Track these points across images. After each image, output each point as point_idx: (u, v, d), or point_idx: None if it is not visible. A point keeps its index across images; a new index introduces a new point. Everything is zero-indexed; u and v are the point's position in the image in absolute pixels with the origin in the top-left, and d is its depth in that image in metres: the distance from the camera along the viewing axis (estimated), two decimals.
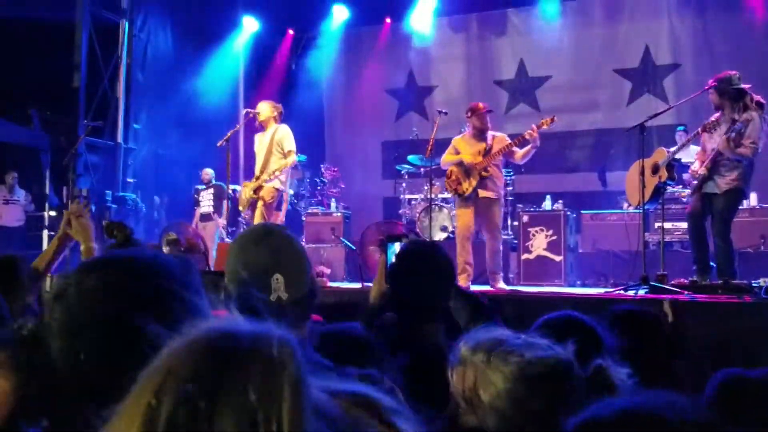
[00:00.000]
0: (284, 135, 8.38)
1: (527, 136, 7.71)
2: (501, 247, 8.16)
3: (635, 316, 2.71)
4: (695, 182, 6.99)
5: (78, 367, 1.07)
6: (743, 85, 6.77)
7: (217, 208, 11.60)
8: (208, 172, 11.87)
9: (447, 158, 8.20)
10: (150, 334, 0.92)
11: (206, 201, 11.73)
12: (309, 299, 2.09)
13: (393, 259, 3.01)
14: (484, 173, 7.82)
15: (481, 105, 8.15)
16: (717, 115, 6.89)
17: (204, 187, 11.85)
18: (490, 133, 8.06)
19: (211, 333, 0.82)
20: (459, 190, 7.96)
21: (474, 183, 7.83)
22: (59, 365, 1.09)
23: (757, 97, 6.75)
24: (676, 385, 2.44)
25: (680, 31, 12.32)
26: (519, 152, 7.92)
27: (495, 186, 7.94)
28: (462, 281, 7.81)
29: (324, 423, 0.78)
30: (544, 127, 7.74)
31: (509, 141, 7.99)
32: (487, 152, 7.87)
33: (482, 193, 7.86)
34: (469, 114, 8.07)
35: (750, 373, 2.21)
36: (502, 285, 7.92)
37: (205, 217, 11.62)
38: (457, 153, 8.10)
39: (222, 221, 11.46)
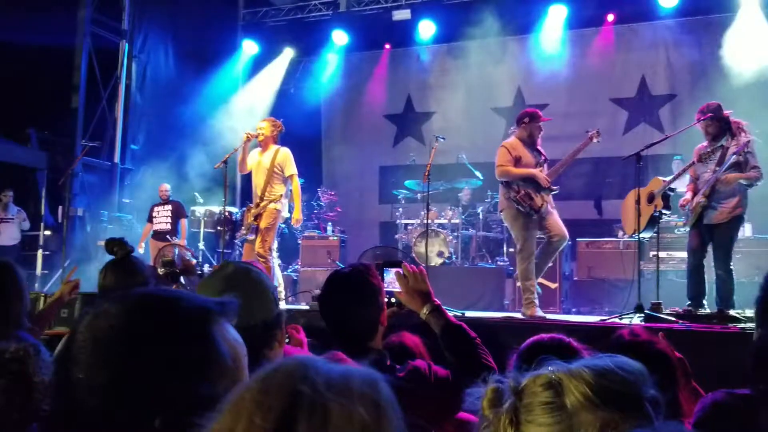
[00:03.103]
0: (285, 158, 8.17)
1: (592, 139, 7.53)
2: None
3: (641, 345, 2.70)
4: (690, 213, 6.98)
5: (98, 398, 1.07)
6: (726, 112, 6.88)
7: (174, 227, 11.40)
8: (166, 187, 11.64)
9: (511, 170, 7.28)
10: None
11: (162, 218, 11.47)
12: (261, 330, 2.08)
13: (386, 284, 2.99)
14: (553, 188, 7.34)
15: (539, 112, 7.66)
16: (704, 143, 6.96)
17: (161, 202, 11.61)
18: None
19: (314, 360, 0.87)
20: (534, 206, 7.18)
21: (546, 198, 7.27)
22: (81, 395, 1.08)
23: (745, 122, 6.84)
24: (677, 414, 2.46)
25: (676, 61, 12.41)
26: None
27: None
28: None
29: None
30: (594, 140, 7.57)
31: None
32: (550, 165, 7.50)
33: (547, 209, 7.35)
34: (528, 120, 7.47)
35: (737, 391, 2.26)
36: (540, 313, 7.24)
37: (160, 235, 11.34)
38: (517, 161, 7.33)
39: (182, 242, 11.13)
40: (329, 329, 2.85)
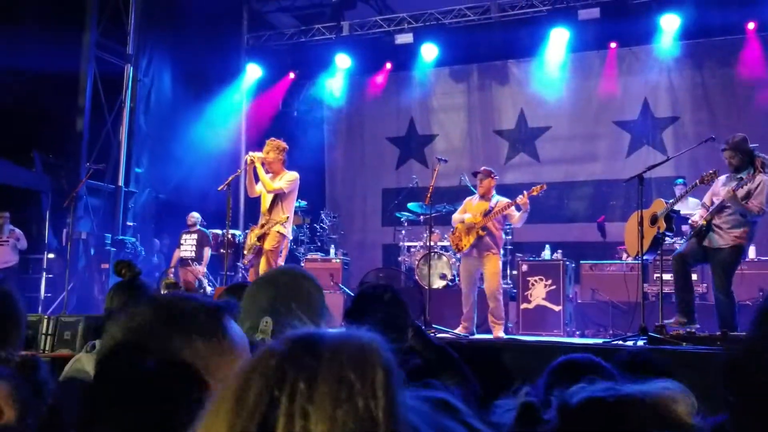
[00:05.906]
0: (287, 176, 8.04)
1: (519, 202, 8.02)
2: (501, 298, 8.34)
3: (640, 362, 2.70)
4: (692, 231, 6.98)
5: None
6: (752, 145, 6.85)
7: (199, 254, 11.50)
8: (194, 216, 11.77)
9: (455, 216, 8.65)
10: None
11: (188, 245, 11.61)
12: None
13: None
14: (481, 232, 8.15)
15: (482, 169, 8.58)
16: (710, 172, 6.94)
17: (188, 230, 11.75)
18: (496, 197, 8.36)
19: (298, 332, 0.86)
20: (459, 246, 8.40)
21: (471, 240, 8.19)
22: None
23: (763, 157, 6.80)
24: None
25: (679, 84, 12.45)
26: (515, 216, 8.25)
27: (493, 243, 8.24)
28: (462, 330, 8.16)
29: (413, 414, 0.78)
30: (534, 194, 8.08)
31: (508, 202, 8.23)
32: (487, 213, 8.22)
33: (480, 250, 8.22)
34: (474, 176, 8.68)
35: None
36: (501, 334, 8.08)
37: (185, 262, 11.48)
38: (465, 211, 8.51)
39: (201, 269, 11.33)
40: None
